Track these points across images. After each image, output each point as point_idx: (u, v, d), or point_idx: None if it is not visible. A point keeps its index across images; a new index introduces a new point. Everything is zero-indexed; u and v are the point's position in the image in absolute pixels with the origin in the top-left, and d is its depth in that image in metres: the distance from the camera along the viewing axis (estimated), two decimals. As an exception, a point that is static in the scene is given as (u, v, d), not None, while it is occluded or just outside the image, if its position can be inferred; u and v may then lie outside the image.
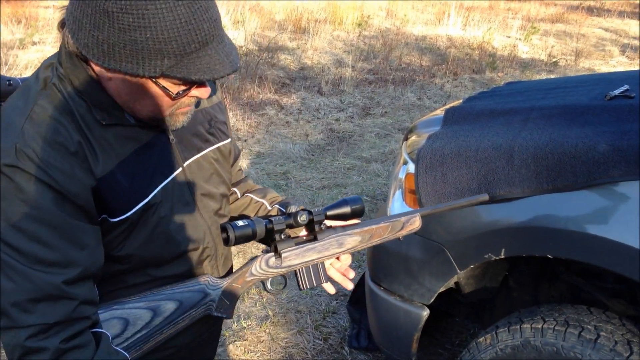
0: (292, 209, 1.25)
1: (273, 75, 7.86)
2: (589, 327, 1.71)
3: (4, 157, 0.98)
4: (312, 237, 1.30)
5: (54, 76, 1.08)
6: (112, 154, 1.10)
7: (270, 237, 1.25)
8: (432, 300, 2.05)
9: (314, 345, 2.95)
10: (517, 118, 2.06)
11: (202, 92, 1.11)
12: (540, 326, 1.78)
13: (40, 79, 1.09)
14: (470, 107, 2.34)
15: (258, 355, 2.86)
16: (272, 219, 1.23)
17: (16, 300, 0.98)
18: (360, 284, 3.13)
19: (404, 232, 1.40)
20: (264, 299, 3.31)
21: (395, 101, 7.51)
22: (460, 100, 2.67)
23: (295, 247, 1.27)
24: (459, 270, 1.96)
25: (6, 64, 6.65)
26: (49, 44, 7.87)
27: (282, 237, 1.26)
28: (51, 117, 1.04)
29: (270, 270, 1.27)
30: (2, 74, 2.51)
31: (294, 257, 1.27)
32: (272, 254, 1.27)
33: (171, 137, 1.20)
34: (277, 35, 9.40)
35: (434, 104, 7.39)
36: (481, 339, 1.93)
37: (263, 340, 2.96)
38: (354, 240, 1.33)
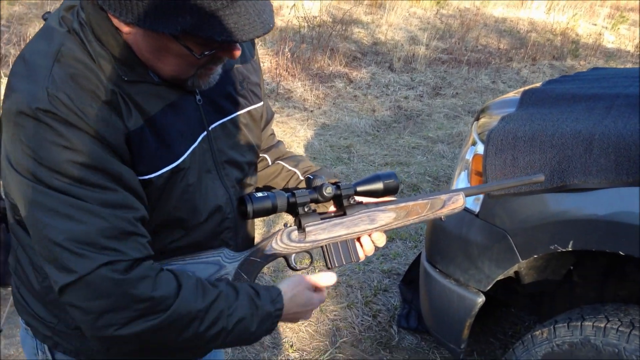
0: (318, 181, 1.16)
1: (345, 48, 7.77)
2: (657, 331, 1.60)
3: (36, 101, 0.91)
4: (341, 212, 1.20)
5: (75, 21, 0.99)
6: (139, 110, 1.01)
7: (293, 211, 1.16)
8: (489, 287, 1.98)
9: (362, 320, 2.93)
10: (600, 104, 1.94)
11: (231, 54, 1.00)
12: (603, 325, 1.69)
13: (63, 20, 1.00)
14: (550, 89, 2.23)
15: (305, 325, 2.86)
16: (295, 192, 1.15)
17: (90, 238, 0.93)
18: (415, 264, 3.08)
19: (444, 211, 1.27)
20: (317, 269, 3.31)
21: (468, 83, 7.30)
22: (539, 83, 2.55)
23: (321, 221, 1.17)
24: (520, 259, 1.88)
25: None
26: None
27: (307, 210, 1.16)
28: (80, 61, 0.96)
29: (292, 244, 1.17)
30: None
31: (320, 231, 1.17)
32: (295, 227, 1.17)
33: (198, 97, 1.10)
34: (353, 8, 9.27)
35: (508, 88, 7.15)
36: (537, 332, 1.86)
37: (312, 310, 2.96)
38: (387, 216, 1.21)
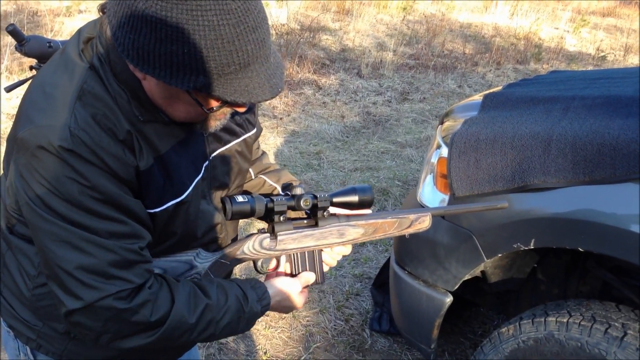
0: (298, 191, 1.20)
1: (313, 55, 7.81)
2: (616, 324, 1.66)
3: (59, 139, 0.95)
4: (313, 222, 1.24)
5: (94, 56, 1.03)
6: (151, 149, 1.07)
7: (269, 216, 1.19)
8: (456, 287, 2.02)
9: (335, 325, 2.95)
10: (557, 106, 2.00)
11: (239, 109, 1.07)
12: (565, 320, 1.73)
13: (83, 54, 1.04)
14: (510, 93, 2.28)
15: (279, 331, 2.87)
16: (274, 198, 1.18)
17: (99, 269, 0.98)
18: (385, 267, 3.11)
19: (411, 230, 1.33)
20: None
21: (435, 88, 7.40)
22: (500, 87, 2.61)
23: (293, 231, 1.21)
24: (486, 259, 1.92)
25: (52, 31, 6.76)
26: (94, 13, 7.97)
27: (282, 219, 1.19)
28: (101, 100, 1.01)
29: (263, 251, 1.20)
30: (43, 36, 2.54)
31: (290, 241, 1.21)
32: (268, 234, 1.20)
33: (204, 132, 1.17)
34: (320, 15, 9.33)
35: (474, 92, 7.26)
36: (504, 330, 1.90)
37: (284, 317, 2.97)
38: (356, 232, 1.26)
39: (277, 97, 6.34)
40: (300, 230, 1.22)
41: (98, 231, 0.98)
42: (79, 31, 1.09)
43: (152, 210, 1.10)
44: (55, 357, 1.21)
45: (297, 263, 1.26)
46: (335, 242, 1.25)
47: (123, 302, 1.00)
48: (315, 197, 1.21)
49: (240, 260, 1.22)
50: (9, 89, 2.61)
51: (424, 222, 1.34)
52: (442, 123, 2.32)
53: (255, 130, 1.33)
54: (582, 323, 1.71)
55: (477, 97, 2.45)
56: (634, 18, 12.94)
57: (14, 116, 1.10)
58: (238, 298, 1.14)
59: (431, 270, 2.07)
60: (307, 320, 2.97)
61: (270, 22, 1.09)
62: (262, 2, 1.00)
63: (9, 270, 1.19)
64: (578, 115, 1.89)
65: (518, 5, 11.61)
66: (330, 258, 1.32)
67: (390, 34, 9.28)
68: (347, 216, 1.26)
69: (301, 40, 8.00)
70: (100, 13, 1.03)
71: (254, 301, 1.16)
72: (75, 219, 0.97)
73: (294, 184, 1.37)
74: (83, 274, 0.98)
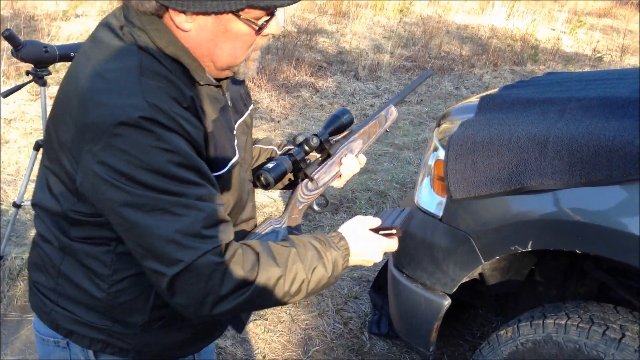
0: (301, 138, 1.39)
1: (310, 57, 7.82)
2: (614, 326, 1.66)
3: (136, 111, 0.99)
4: (326, 155, 1.43)
5: (137, 39, 1.08)
6: (209, 112, 1.14)
7: (297, 167, 1.38)
8: (454, 289, 2.02)
9: (333, 328, 2.95)
10: (553, 108, 2.00)
11: (277, 27, 1.14)
12: (563, 322, 1.73)
13: (125, 38, 1.09)
14: (506, 95, 2.29)
15: (277, 335, 2.87)
16: (292, 152, 1.36)
17: (194, 231, 1.03)
18: (383, 270, 3.11)
19: (388, 123, 1.57)
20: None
21: (432, 90, 7.41)
22: (497, 89, 2.61)
23: (320, 167, 1.42)
24: (483, 261, 1.92)
25: (48, 35, 6.76)
26: (91, 17, 7.96)
27: (307, 163, 1.40)
28: (160, 74, 1.06)
29: (311, 193, 1.41)
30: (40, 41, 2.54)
31: (323, 175, 1.42)
32: (307, 180, 1.40)
33: (227, 99, 1.24)
34: (317, 17, 9.33)
35: (471, 94, 7.27)
36: (502, 332, 1.90)
37: (283, 321, 2.97)
38: (358, 143, 1.49)
39: (275, 100, 6.35)
40: (324, 164, 1.43)
41: (188, 195, 1.03)
42: (106, 24, 1.13)
43: (218, 173, 1.16)
44: (122, 354, 1.24)
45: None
46: (351, 159, 1.46)
47: (219, 257, 1.05)
48: (316, 135, 1.40)
49: (302, 210, 1.41)
50: (6, 94, 2.61)
51: (394, 113, 1.58)
52: (439, 125, 2.33)
53: (252, 105, 1.44)
54: (580, 325, 1.71)
55: (474, 99, 2.45)
56: (630, 19, 12.98)
57: (52, 119, 1.13)
58: (314, 245, 1.19)
59: (429, 273, 2.07)
60: (306, 324, 2.97)
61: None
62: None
63: (69, 279, 1.20)
64: (574, 116, 1.90)
65: (514, 7, 11.63)
66: (354, 170, 1.51)
67: (387, 36, 9.28)
68: (345, 137, 1.48)
69: (298, 42, 8.00)
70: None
71: (331, 244, 1.21)
72: (165, 188, 1.01)
73: (284, 143, 1.56)
74: (180, 237, 1.02)
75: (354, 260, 1.25)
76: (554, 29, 11.21)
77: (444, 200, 2.01)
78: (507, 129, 1.91)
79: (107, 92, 1.02)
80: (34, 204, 1.22)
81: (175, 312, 1.12)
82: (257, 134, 5.54)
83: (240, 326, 1.41)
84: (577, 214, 1.69)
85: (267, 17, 1.10)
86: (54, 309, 1.23)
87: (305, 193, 1.40)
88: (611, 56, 9.86)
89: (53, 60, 2.48)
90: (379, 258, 1.29)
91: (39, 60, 2.48)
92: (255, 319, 2.96)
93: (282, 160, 1.32)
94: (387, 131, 1.57)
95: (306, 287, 1.16)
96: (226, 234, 1.09)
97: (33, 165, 2.64)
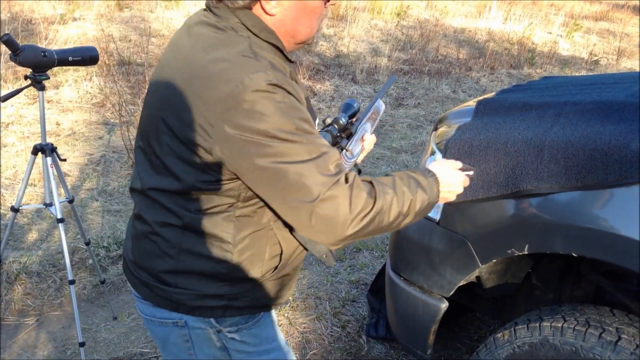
0: (329, 120, 1.56)
1: (308, 61, 7.83)
2: (610, 328, 1.66)
3: (265, 80, 1.17)
4: (350, 133, 1.59)
5: (237, 30, 1.27)
6: (300, 83, 1.34)
7: (334, 142, 1.54)
8: (451, 293, 2.03)
9: (331, 332, 2.95)
10: (549, 112, 2.01)
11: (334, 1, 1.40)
12: (560, 325, 1.74)
13: (227, 28, 1.27)
14: (503, 99, 2.29)
15: (275, 337, 2.87)
16: (329, 129, 1.53)
17: (325, 166, 1.22)
18: (381, 273, 3.12)
19: (381, 112, 1.79)
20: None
21: (429, 93, 7.43)
22: (494, 93, 2.62)
23: (350, 141, 1.58)
24: (480, 264, 1.93)
25: (46, 39, 6.76)
26: (89, 21, 7.97)
27: (340, 138, 1.57)
28: (265, 56, 1.24)
29: (349, 161, 1.57)
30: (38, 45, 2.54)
31: (353, 147, 1.58)
32: (344, 151, 1.56)
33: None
34: (314, 21, 9.33)
35: (468, 97, 7.29)
36: (499, 335, 1.91)
37: (281, 324, 2.97)
38: (369, 124, 1.69)
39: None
40: (350, 139, 1.59)
41: (314, 142, 1.22)
42: (201, 22, 1.32)
43: None
44: (239, 312, 1.41)
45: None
46: (370, 136, 1.64)
47: (346, 183, 1.23)
48: (340, 118, 1.57)
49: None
50: (5, 99, 2.61)
51: (383, 105, 1.79)
52: (436, 129, 2.34)
53: None
54: (577, 328, 1.71)
55: (471, 103, 2.46)
56: (627, 22, 13.02)
57: (160, 109, 1.31)
58: (409, 174, 1.40)
59: (426, 276, 2.08)
60: (304, 327, 2.97)
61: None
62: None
63: (191, 253, 1.35)
64: (570, 120, 1.91)
65: (511, 10, 11.67)
66: (371, 145, 1.69)
67: (385, 40, 9.31)
68: (358, 120, 1.66)
69: (296, 46, 8.00)
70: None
71: (421, 175, 1.41)
72: (297, 138, 1.19)
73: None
74: (317, 173, 1.19)
75: (442, 191, 1.46)
76: (550, 33, 11.25)
77: (441, 203, 2.01)
78: (503, 133, 1.92)
79: (231, 70, 1.19)
80: (148, 189, 1.35)
81: (284, 258, 1.39)
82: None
83: (331, 260, 1.53)
84: (574, 217, 1.69)
85: None
86: (174, 291, 1.37)
87: (346, 162, 1.56)
88: (607, 59, 9.90)
89: (51, 65, 2.48)
90: (460, 190, 1.53)
91: (37, 64, 2.48)
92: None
93: (324, 136, 1.48)
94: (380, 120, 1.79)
95: (414, 207, 1.34)
96: (344, 167, 1.29)
97: (31, 169, 2.63)
